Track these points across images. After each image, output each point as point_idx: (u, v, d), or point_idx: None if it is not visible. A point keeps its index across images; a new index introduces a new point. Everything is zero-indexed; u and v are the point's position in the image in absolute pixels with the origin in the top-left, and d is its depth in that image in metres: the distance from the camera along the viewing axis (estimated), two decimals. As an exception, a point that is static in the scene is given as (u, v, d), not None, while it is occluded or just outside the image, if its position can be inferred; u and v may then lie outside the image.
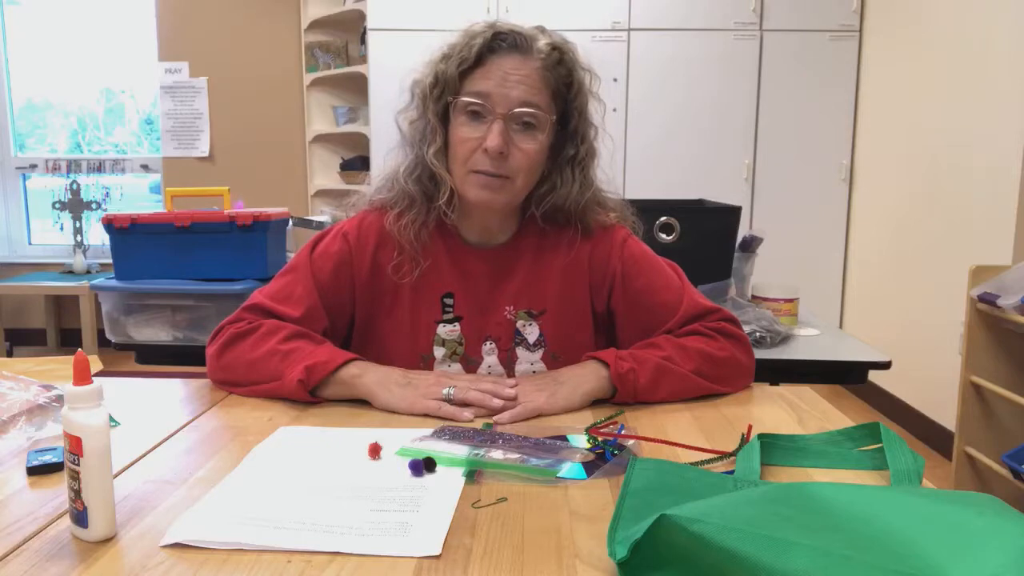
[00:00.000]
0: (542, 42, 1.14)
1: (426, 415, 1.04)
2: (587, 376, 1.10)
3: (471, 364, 1.22)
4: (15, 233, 4.77)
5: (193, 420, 1.03)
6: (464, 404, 1.05)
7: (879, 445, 0.87)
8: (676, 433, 0.97)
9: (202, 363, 1.18)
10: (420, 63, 1.19)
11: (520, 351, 1.22)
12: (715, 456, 0.89)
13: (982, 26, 2.88)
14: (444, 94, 1.14)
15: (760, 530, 0.56)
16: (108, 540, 0.69)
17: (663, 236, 1.87)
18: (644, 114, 3.89)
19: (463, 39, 1.14)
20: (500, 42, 1.13)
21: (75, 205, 4.36)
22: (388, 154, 1.24)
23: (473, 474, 0.84)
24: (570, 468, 0.85)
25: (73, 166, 4.69)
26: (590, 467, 0.86)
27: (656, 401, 1.10)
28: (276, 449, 0.92)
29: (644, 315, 1.21)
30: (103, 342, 2.61)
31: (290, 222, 2.20)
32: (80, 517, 0.69)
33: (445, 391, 1.06)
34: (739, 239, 2.01)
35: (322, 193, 4.34)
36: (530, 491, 0.80)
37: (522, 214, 1.24)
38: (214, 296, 1.95)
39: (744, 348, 1.18)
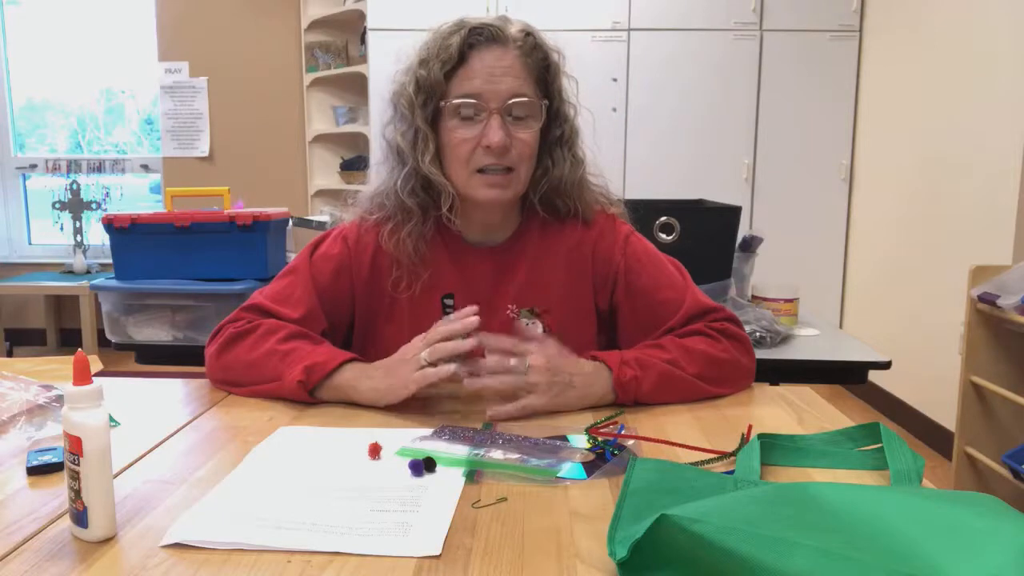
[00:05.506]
0: (514, 29, 1.14)
1: (426, 409, 1.03)
2: (598, 383, 1.08)
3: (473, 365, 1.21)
4: (15, 233, 4.77)
5: (193, 420, 1.03)
6: (442, 357, 1.02)
7: (879, 445, 0.87)
8: (676, 433, 0.97)
9: (202, 363, 1.18)
10: (395, 72, 1.17)
11: (522, 350, 1.21)
12: (715, 456, 0.89)
13: (982, 26, 2.88)
14: (431, 99, 1.13)
15: (760, 530, 0.56)
16: (108, 540, 0.69)
17: (663, 236, 1.87)
18: (644, 114, 3.88)
19: (436, 40, 1.13)
20: (477, 36, 1.12)
21: (75, 205, 4.36)
22: (375, 172, 1.23)
23: (473, 474, 0.84)
24: (570, 468, 0.85)
25: (73, 166, 4.69)
26: (590, 467, 0.86)
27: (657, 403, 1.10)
28: (276, 449, 0.92)
29: (646, 312, 1.21)
30: (103, 342, 2.61)
31: (290, 222, 2.20)
32: (80, 517, 0.68)
33: (422, 356, 1.03)
34: (739, 239, 2.00)
35: (322, 193, 4.33)
36: (530, 491, 0.80)
37: (522, 208, 1.24)
38: (214, 296, 1.95)
39: (746, 349, 1.18)
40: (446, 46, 1.11)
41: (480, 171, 1.13)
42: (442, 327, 1.04)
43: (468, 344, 1.02)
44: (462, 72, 1.12)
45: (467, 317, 1.03)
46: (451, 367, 1.01)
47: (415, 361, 1.04)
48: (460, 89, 1.12)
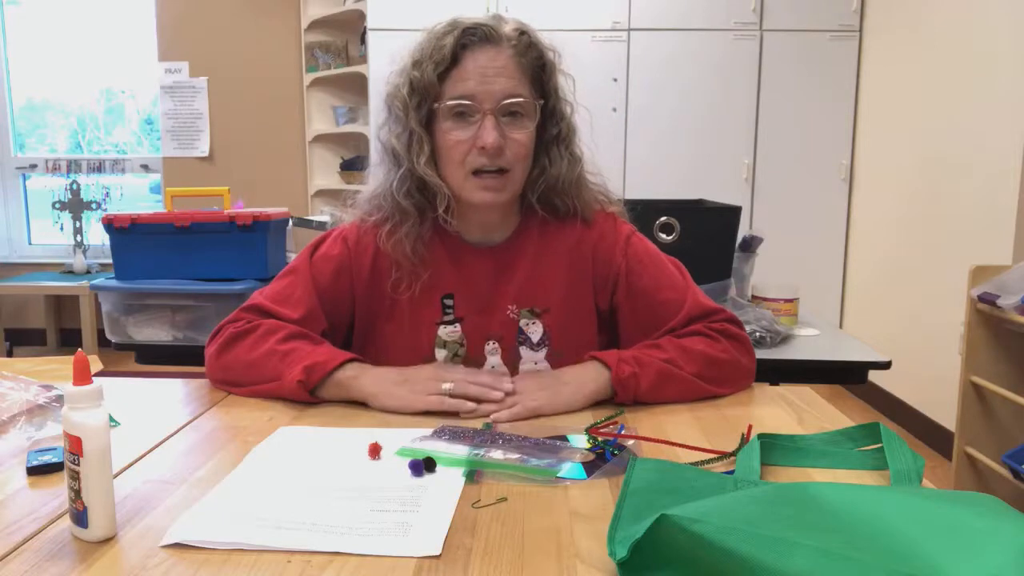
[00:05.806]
0: (508, 28, 1.13)
1: (427, 412, 1.04)
2: (591, 376, 1.10)
3: (474, 365, 1.21)
4: (15, 233, 4.77)
5: (193, 420, 1.03)
6: (464, 398, 1.05)
7: (879, 445, 0.87)
8: (676, 433, 0.97)
9: (202, 363, 1.18)
10: (389, 74, 1.17)
11: (523, 350, 1.22)
12: (715, 456, 0.89)
13: (982, 26, 2.88)
14: (425, 101, 1.13)
15: (760, 530, 0.56)
16: (108, 540, 0.69)
17: (663, 236, 1.87)
18: (644, 114, 3.88)
19: (429, 41, 1.12)
20: (471, 37, 1.11)
21: (75, 205, 4.36)
22: (371, 173, 1.23)
23: (473, 474, 0.84)
24: (570, 468, 0.85)
25: (73, 166, 4.69)
26: (590, 467, 0.86)
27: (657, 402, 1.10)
28: (276, 449, 0.92)
29: (647, 313, 1.21)
30: (103, 342, 2.61)
31: (290, 222, 2.20)
32: (80, 517, 0.68)
33: (445, 386, 1.06)
34: (739, 239, 2.00)
35: (322, 193, 4.33)
36: (530, 491, 0.80)
37: (520, 207, 1.24)
38: (214, 296, 1.95)
39: (746, 350, 1.18)
40: (439, 47, 1.11)
41: (475, 173, 1.13)
42: (485, 377, 1.08)
43: (495, 396, 1.05)
44: (456, 73, 1.11)
45: (508, 384, 1.07)
46: (472, 406, 1.04)
47: (435, 382, 1.06)
48: (454, 90, 1.11)
